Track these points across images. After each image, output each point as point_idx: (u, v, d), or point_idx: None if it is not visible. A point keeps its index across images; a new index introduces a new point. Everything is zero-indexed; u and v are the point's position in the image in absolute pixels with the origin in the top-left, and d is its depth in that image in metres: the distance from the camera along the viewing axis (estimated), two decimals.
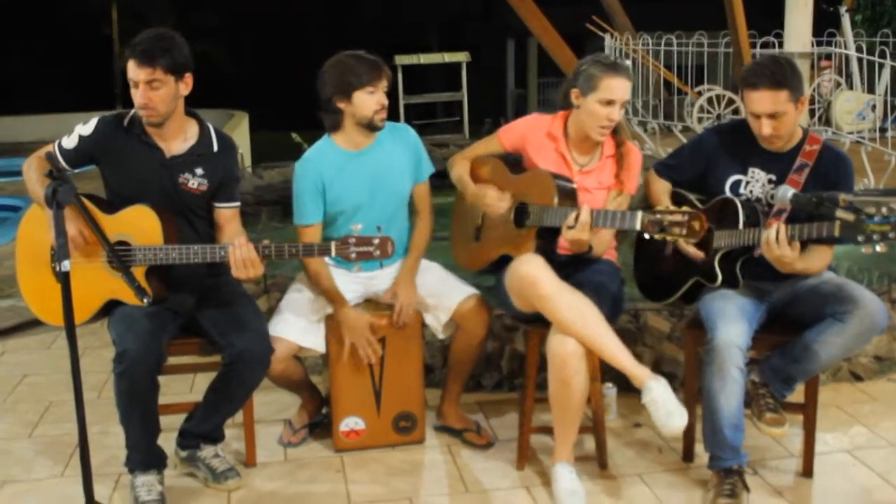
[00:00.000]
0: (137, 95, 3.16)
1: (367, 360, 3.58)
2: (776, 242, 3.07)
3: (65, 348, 2.80)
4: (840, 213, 2.92)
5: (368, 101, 3.46)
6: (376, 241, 3.05)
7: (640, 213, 3.08)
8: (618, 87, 3.40)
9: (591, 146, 3.54)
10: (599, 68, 3.41)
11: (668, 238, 3.02)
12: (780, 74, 3.20)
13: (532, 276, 3.28)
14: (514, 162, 3.63)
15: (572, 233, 3.20)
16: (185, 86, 3.23)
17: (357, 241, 3.05)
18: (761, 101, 3.20)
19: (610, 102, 3.40)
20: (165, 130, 3.26)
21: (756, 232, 3.16)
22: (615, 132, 3.56)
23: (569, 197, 3.37)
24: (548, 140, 3.56)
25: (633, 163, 3.56)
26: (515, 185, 3.54)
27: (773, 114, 3.21)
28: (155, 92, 3.15)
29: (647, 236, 3.07)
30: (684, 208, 3.02)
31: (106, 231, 3.07)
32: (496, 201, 3.55)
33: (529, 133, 3.61)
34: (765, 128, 3.24)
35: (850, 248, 3.34)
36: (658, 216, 3.02)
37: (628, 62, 8.91)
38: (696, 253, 3.30)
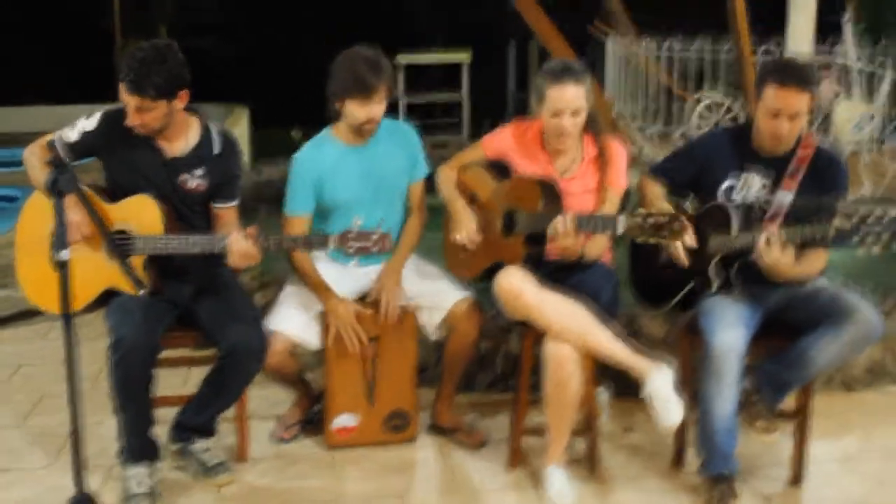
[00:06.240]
0: (130, 116, 3.14)
1: (352, 348, 3.53)
2: (768, 248, 3.07)
3: (59, 339, 2.80)
4: (838, 222, 2.92)
5: (357, 112, 3.42)
6: (375, 237, 3.04)
7: (622, 217, 3.08)
8: (561, 98, 3.32)
9: (568, 151, 3.51)
10: (544, 79, 3.36)
11: (651, 241, 3.02)
12: (808, 77, 3.18)
13: (514, 290, 3.28)
14: (501, 168, 3.60)
15: (558, 241, 3.18)
16: (180, 101, 3.18)
17: (356, 236, 3.05)
18: (789, 99, 3.15)
19: (557, 113, 3.35)
20: (165, 133, 3.25)
21: (750, 237, 3.17)
22: (594, 132, 3.50)
23: (554, 201, 3.34)
24: (529, 146, 3.54)
25: (615, 158, 3.49)
26: (502, 193, 3.53)
27: (795, 114, 3.18)
28: (147, 114, 3.13)
29: (639, 240, 3.06)
30: (665, 210, 3.01)
31: (107, 219, 3.07)
32: (469, 236, 3.53)
33: (511, 140, 3.59)
34: (784, 127, 3.20)
35: (844, 257, 3.36)
36: (640, 219, 3.01)
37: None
38: (681, 252, 3.27)
